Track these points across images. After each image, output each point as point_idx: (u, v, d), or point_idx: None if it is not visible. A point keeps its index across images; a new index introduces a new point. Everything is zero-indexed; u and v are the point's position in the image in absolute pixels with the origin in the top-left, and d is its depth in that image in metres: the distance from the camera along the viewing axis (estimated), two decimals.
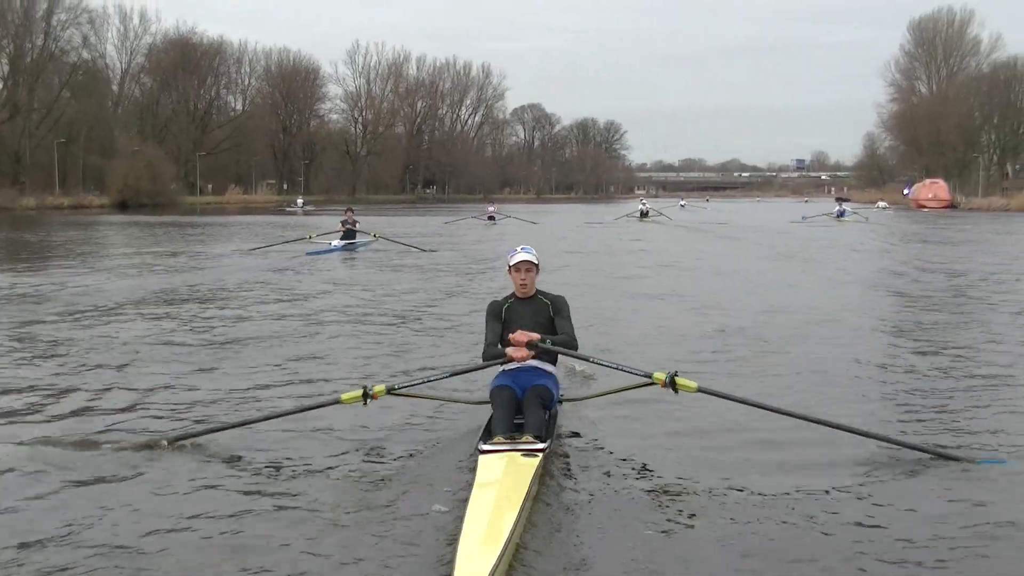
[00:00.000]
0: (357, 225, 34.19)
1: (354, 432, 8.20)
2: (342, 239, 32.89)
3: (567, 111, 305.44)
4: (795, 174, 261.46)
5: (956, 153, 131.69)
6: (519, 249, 8.26)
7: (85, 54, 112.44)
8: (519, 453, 6.75)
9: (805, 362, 11.77)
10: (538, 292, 8.28)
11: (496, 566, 5.05)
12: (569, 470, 7.28)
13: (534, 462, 6.60)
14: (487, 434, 7.31)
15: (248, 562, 5.52)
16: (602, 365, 8.03)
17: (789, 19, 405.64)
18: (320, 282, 21.88)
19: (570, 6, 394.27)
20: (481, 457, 6.77)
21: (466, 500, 6.03)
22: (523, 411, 7.51)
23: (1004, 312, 16.84)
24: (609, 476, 7.14)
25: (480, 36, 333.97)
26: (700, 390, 7.44)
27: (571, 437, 8.15)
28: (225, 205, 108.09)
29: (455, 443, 7.89)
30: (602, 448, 7.87)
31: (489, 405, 7.77)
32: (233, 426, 8.00)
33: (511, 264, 8.19)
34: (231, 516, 6.23)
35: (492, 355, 7.90)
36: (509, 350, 7.69)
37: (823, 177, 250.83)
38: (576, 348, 7.99)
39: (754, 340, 13.43)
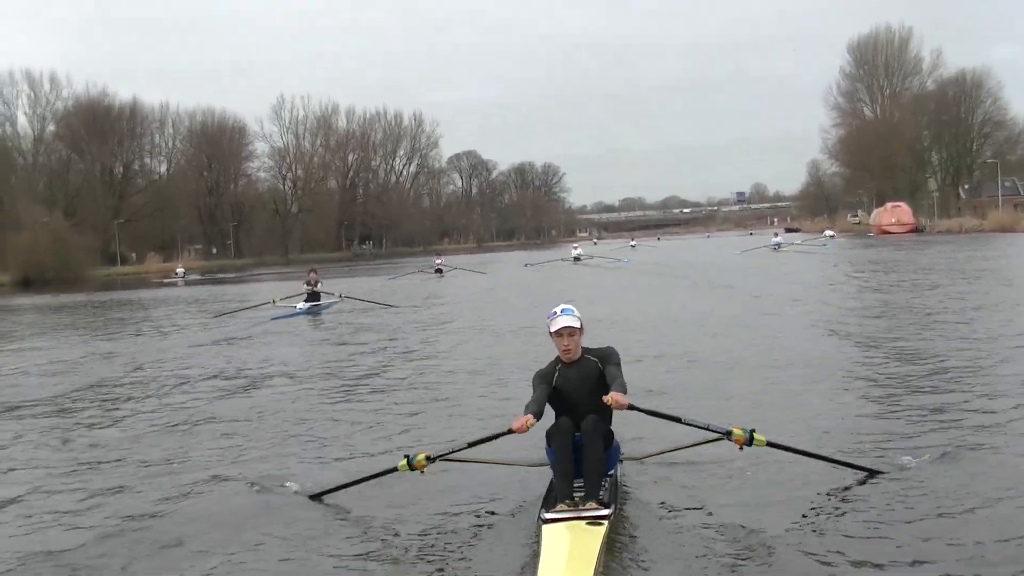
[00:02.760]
0: (320, 286, 33.40)
1: (408, 502, 8.00)
2: (307, 301, 32.23)
3: (504, 157, 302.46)
4: (736, 207, 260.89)
5: (907, 175, 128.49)
6: (559, 312, 7.68)
7: None
8: (583, 522, 6.58)
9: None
10: (584, 352, 7.70)
11: None
12: (635, 537, 6.97)
13: (600, 531, 6.46)
14: (548, 501, 7.09)
15: None
16: (690, 424, 7.57)
17: (722, 54, 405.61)
18: (289, 349, 21.14)
19: (501, 53, 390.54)
20: (545, 527, 6.61)
21: (534, 571, 6.00)
22: (582, 452, 7.15)
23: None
24: (677, 542, 6.84)
25: (409, 88, 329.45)
26: (770, 444, 7.41)
27: (634, 499, 7.82)
28: (144, 275, 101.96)
29: (516, 511, 7.67)
30: (667, 511, 7.52)
31: (541, 468, 7.77)
32: (324, 492, 8.18)
33: (552, 331, 7.64)
34: None
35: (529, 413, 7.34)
36: (513, 422, 7.28)
37: (765, 208, 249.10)
38: (626, 391, 7.40)
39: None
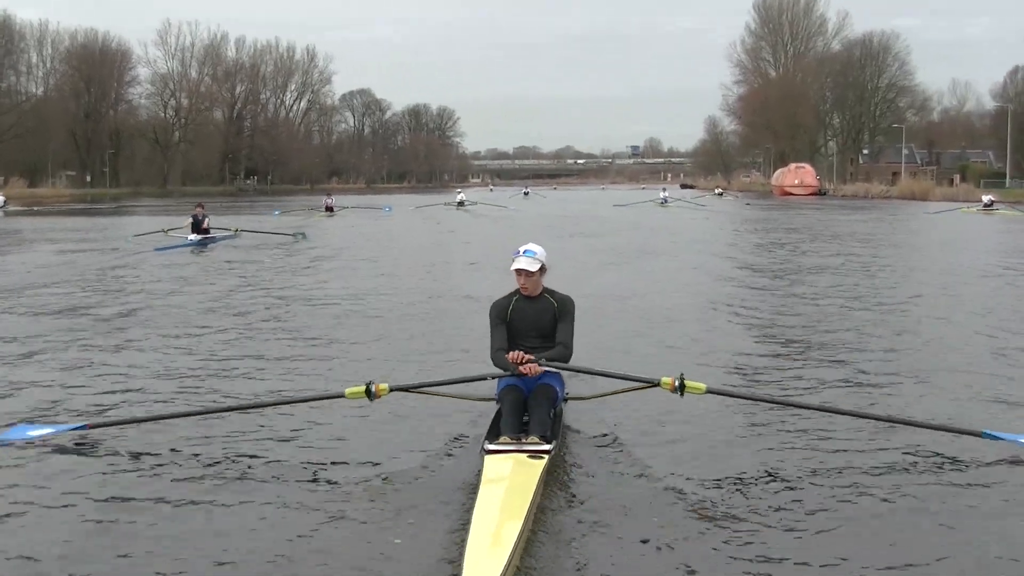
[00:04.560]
0: (208, 221, 32.79)
1: (357, 428, 8.28)
2: (195, 232, 31.75)
3: (399, 98, 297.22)
4: (630, 161, 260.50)
5: (808, 136, 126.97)
6: (521, 252, 8.04)
7: None
8: (525, 454, 6.77)
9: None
10: (545, 291, 8.17)
11: (504, 570, 5.07)
12: (574, 471, 7.21)
13: (540, 464, 6.63)
14: (493, 434, 7.28)
15: (243, 558, 5.54)
16: (608, 376, 8.13)
17: (631, 7, 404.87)
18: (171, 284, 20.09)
19: None
20: (487, 457, 6.80)
21: (472, 500, 6.09)
22: (529, 411, 7.54)
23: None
24: (615, 478, 7.09)
25: (305, 24, 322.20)
26: (710, 391, 7.59)
27: (577, 437, 8.12)
28: None
29: (461, 441, 7.93)
30: (608, 449, 7.81)
31: (494, 402, 7.89)
32: (232, 409, 8.42)
33: (512, 268, 8.01)
34: (224, 506, 6.38)
35: (502, 365, 7.79)
36: (523, 367, 7.59)
37: (659, 163, 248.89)
38: (569, 355, 8.00)
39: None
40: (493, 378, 7.94)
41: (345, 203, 64.68)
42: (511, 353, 7.72)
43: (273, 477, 6.96)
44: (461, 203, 68.08)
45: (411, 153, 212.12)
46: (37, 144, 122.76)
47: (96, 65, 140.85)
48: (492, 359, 7.95)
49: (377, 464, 7.29)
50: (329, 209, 56.97)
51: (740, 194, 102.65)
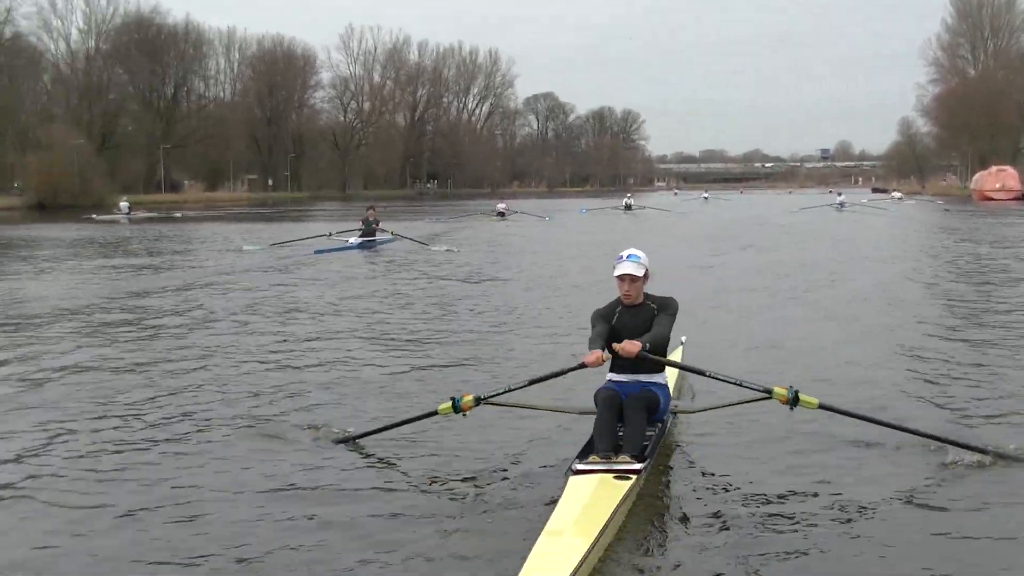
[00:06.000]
0: (379, 224, 33.50)
1: (445, 446, 7.94)
2: (361, 236, 32.21)
3: (583, 102, 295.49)
4: (820, 164, 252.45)
5: (1010, 137, 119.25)
6: (624, 257, 7.69)
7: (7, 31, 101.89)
8: (612, 475, 6.47)
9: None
10: (646, 298, 7.79)
11: None
12: (669, 491, 6.96)
13: (625, 485, 6.34)
14: (585, 451, 6.95)
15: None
16: (721, 379, 7.55)
17: (818, 7, 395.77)
18: (339, 287, 20.25)
19: None
20: (572, 478, 6.51)
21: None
22: (624, 419, 7.13)
23: None
24: (707, 503, 6.63)
25: (478, 31, 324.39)
26: (822, 407, 7.22)
27: (678, 454, 7.76)
28: (175, 204, 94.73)
29: (551, 459, 7.50)
30: (707, 468, 7.35)
31: (592, 416, 7.38)
32: (344, 440, 8.01)
33: (615, 274, 7.68)
34: (313, 520, 6.34)
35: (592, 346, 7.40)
36: (584, 356, 7.30)
37: (850, 166, 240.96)
38: (665, 348, 7.64)
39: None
40: (562, 373, 7.73)
41: (519, 208, 63.95)
42: (622, 343, 7.29)
43: (350, 493, 6.85)
44: (628, 207, 67.58)
45: (594, 156, 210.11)
46: (219, 149, 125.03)
47: (280, 70, 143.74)
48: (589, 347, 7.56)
49: (457, 485, 7.02)
50: (501, 214, 56.28)
51: (935, 198, 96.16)
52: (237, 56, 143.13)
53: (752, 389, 7.35)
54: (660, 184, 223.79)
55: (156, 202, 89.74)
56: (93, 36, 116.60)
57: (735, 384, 7.39)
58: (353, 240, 31.54)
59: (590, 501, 6.06)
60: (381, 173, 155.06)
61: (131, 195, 76.76)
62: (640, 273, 7.60)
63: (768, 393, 7.20)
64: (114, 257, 29.84)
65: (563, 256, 28.14)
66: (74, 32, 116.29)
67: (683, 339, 10.63)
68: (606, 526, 5.74)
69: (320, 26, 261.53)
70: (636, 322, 7.63)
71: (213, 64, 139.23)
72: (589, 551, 5.41)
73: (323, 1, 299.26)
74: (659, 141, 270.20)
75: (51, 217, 64.92)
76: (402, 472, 7.32)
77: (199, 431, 8.42)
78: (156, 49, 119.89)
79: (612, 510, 5.92)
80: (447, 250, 30.05)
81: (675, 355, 9.45)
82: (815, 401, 7.11)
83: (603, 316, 7.73)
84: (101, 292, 19.46)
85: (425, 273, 22.97)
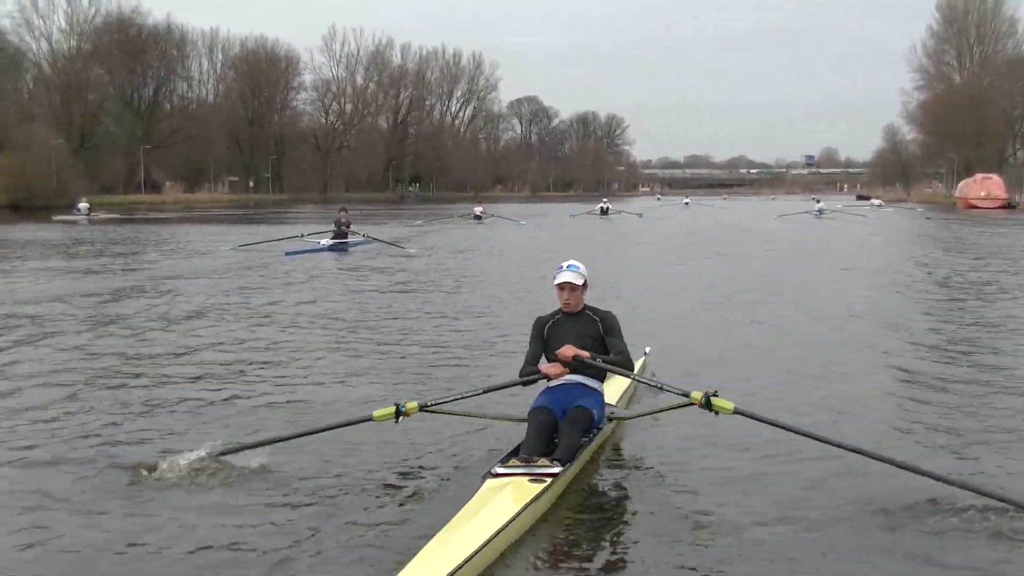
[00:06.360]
0: (351, 227, 33.66)
1: (380, 450, 7.89)
2: (333, 238, 32.28)
3: (567, 105, 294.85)
4: (804, 171, 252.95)
5: (995, 145, 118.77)
6: (564, 267, 7.99)
7: None
8: (527, 478, 6.48)
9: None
10: (586, 308, 8.07)
11: None
12: (590, 496, 6.92)
13: (537, 488, 6.34)
14: (509, 456, 6.93)
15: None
16: (644, 383, 7.99)
17: (801, 7, 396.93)
18: (310, 287, 20.65)
19: None
20: (487, 481, 6.54)
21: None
22: (559, 434, 7.21)
23: None
24: (623, 510, 6.70)
25: (470, 29, 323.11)
26: (737, 411, 7.15)
27: (609, 461, 7.78)
28: (154, 205, 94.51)
29: (479, 464, 7.36)
30: (635, 474, 7.44)
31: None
32: (265, 443, 7.64)
33: (555, 283, 7.98)
34: (234, 526, 6.23)
35: (528, 374, 7.76)
36: (545, 367, 7.66)
37: (836, 173, 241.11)
38: (631, 367, 7.88)
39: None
40: (521, 384, 7.88)
41: (496, 212, 64.97)
42: (563, 348, 7.59)
43: (264, 494, 6.87)
44: (604, 211, 68.71)
45: (578, 161, 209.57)
46: (201, 150, 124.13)
47: (263, 71, 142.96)
48: (520, 371, 7.89)
49: (379, 488, 7.04)
50: (478, 217, 57.32)
51: (917, 206, 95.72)
52: (220, 57, 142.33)
53: (672, 393, 7.46)
54: (644, 189, 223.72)
55: (135, 203, 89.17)
56: (75, 36, 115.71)
57: (657, 387, 7.64)
58: (324, 242, 31.59)
59: (496, 503, 6.09)
60: (363, 176, 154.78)
61: (111, 196, 75.61)
62: (579, 282, 7.91)
63: (685, 396, 7.29)
64: (52, 259, 28.80)
65: (536, 260, 27.42)
66: (55, 32, 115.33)
67: (647, 350, 10.90)
68: (503, 528, 5.73)
69: (311, 22, 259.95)
70: (574, 328, 7.93)
71: (195, 65, 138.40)
72: (476, 552, 5.39)
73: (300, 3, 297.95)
74: (643, 146, 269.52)
75: (20, 218, 63.47)
76: (296, 484, 7.12)
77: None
78: (137, 49, 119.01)
79: (515, 512, 5.92)
80: (413, 252, 30.56)
81: (637, 364, 9.63)
82: (731, 406, 7.14)
83: (538, 328, 8.08)
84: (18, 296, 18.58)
85: (390, 276, 22.94)
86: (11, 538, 6.01)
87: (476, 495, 6.28)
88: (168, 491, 6.85)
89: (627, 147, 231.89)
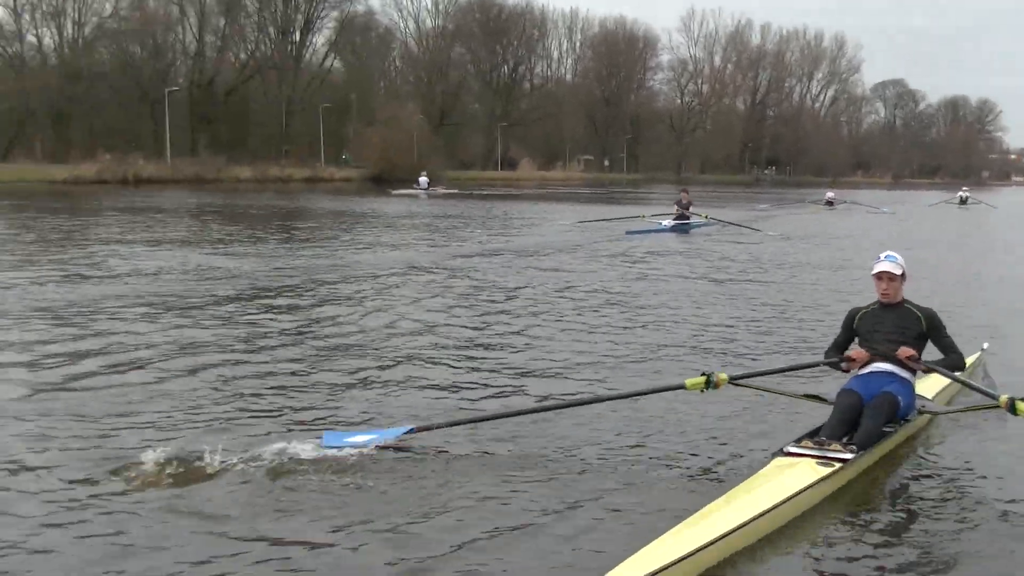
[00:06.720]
0: (691, 208, 33.50)
1: (676, 421, 7.99)
2: (675, 219, 32.33)
3: (934, 89, 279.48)
4: None
5: None
6: (882, 257, 7.95)
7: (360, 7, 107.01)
8: (816, 461, 6.39)
9: None
10: (906, 302, 7.94)
11: (667, 565, 4.79)
12: (880, 487, 6.66)
13: (822, 472, 6.22)
14: (806, 438, 6.85)
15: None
16: (961, 383, 7.85)
17: None
18: (646, 264, 21.02)
19: None
20: (776, 459, 6.53)
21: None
22: (862, 419, 7.05)
23: None
24: (917, 503, 6.37)
25: (827, 9, 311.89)
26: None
27: (913, 454, 7.44)
28: (509, 181, 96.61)
29: (772, 444, 7.07)
30: (935, 471, 7.05)
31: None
32: (575, 405, 7.93)
33: (872, 272, 7.94)
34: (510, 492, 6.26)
35: (830, 357, 7.90)
36: (850, 351, 7.69)
37: None
38: (963, 366, 7.90)
39: None
40: (825, 364, 7.99)
41: (852, 198, 62.95)
42: (855, 351, 7.65)
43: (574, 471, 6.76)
44: (963, 200, 65.76)
45: (945, 147, 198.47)
46: (556, 128, 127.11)
47: (621, 51, 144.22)
48: (825, 353, 8.06)
49: (677, 455, 7.13)
50: (829, 203, 55.22)
51: None
52: (579, 37, 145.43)
53: (984, 393, 7.30)
54: (1018, 179, 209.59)
55: (491, 179, 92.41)
56: (440, 15, 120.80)
57: (973, 388, 7.61)
58: (666, 223, 31.79)
59: (776, 481, 6.04)
60: (719, 157, 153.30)
61: (470, 171, 77.90)
62: (898, 272, 7.78)
63: (995, 399, 7.05)
64: (382, 232, 29.77)
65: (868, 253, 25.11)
66: (422, 11, 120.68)
67: (985, 345, 10.28)
68: (776, 507, 5.67)
69: (669, 3, 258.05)
70: (890, 319, 7.79)
71: (554, 44, 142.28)
72: (739, 527, 5.33)
73: None
74: (1018, 131, 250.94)
75: (371, 190, 66.58)
76: (626, 443, 7.39)
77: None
78: (498, 29, 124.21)
79: (792, 492, 5.83)
80: (772, 234, 30.16)
81: (970, 360, 9.24)
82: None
83: (850, 316, 8.01)
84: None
85: (726, 259, 22.65)
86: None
87: (760, 471, 6.29)
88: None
89: (999, 134, 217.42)
